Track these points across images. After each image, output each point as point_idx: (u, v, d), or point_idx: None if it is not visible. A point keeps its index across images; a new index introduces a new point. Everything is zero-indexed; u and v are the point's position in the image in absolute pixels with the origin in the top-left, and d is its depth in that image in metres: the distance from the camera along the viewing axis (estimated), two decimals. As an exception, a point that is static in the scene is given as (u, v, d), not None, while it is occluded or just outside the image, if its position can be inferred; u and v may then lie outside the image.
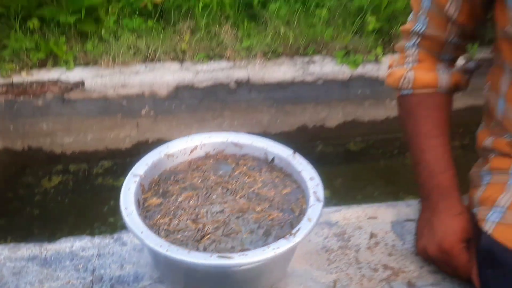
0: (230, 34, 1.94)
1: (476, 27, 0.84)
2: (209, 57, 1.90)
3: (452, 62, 0.90)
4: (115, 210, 0.71)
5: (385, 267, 0.84)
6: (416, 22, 0.85)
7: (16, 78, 1.72)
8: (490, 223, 0.73)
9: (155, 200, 0.78)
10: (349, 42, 1.95)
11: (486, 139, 0.85)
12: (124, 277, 0.81)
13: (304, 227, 0.67)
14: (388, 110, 2.03)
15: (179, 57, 1.89)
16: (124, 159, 1.90)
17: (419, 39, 0.86)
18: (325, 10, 2.01)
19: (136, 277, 0.81)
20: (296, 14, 2.02)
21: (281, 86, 1.87)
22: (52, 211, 1.67)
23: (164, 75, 1.80)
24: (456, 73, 0.87)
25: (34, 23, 1.82)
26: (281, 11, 2.02)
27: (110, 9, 1.98)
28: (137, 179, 0.78)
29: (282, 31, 1.95)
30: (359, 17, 2.01)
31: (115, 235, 0.94)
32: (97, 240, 0.93)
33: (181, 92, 1.81)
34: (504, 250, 0.70)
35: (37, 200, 1.72)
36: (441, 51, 0.87)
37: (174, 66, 1.85)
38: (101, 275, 0.83)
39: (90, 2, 1.92)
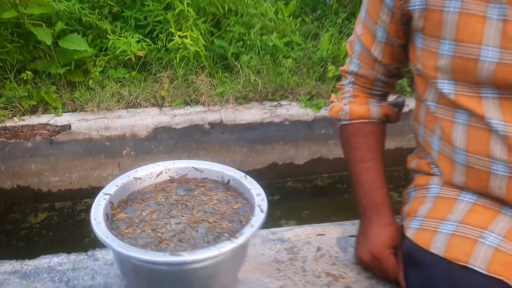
0: (206, 82, 2.16)
1: (398, 67, 1.00)
2: (186, 103, 2.10)
3: (383, 96, 1.05)
4: (96, 242, 0.84)
5: (327, 274, 0.98)
6: (350, 64, 1.02)
7: (9, 123, 1.90)
8: (412, 230, 0.88)
9: (122, 215, 0.92)
10: (313, 88, 2.18)
11: (412, 162, 1.03)
12: (95, 286, 0.95)
13: (246, 232, 0.82)
14: (351, 148, 2.21)
15: (159, 103, 2.09)
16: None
17: (353, 78, 1.02)
18: (291, 60, 2.25)
19: (105, 286, 0.95)
20: (265, 64, 2.26)
21: (251, 127, 2.07)
22: (37, 244, 1.79)
23: (144, 119, 1.99)
24: (386, 106, 1.03)
25: (27, 74, 2.02)
26: (252, 62, 2.25)
27: (97, 61, 2.20)
28: (107, 197, 0.93)
29: (252, 79, 2.17)
30: (320, 66, 2.25)
31: (89, 252, 1.09)
32: (72, 256, 1.08)
33: (159, 133, 1.99)
34: (422, 251, 0.83)
35: (23, 234, 1.84)
36: (372, 88, 1.03)
37: (153, 111, 2.05)
38: (74, 285, 0.96)
39: (79, 56, 2.14)
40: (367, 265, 0.95)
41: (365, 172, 1.01)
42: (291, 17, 2.47)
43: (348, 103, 1.02)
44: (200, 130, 2.02)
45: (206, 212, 0.94)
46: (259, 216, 0.86)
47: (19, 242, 1.81)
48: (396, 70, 1.01)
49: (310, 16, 2.62)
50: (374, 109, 1.01)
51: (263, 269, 1.02)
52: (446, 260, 0.79)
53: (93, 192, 2.08)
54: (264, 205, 0.89)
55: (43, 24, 2.03)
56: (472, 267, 0.77)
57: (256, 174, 2.13)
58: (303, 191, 2.19)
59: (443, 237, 0.82)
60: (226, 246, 0.78)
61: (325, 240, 1.13)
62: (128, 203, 0.98)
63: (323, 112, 2.12)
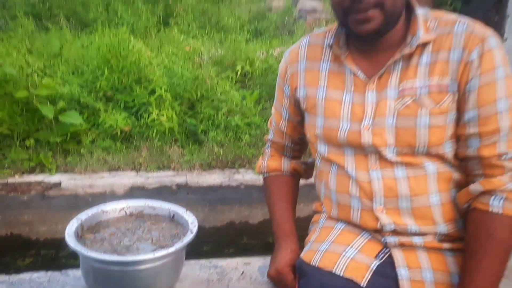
0: (177, 151, 2.60)
1: (300, 137, 1.31)
2: (159, 168, 2.53)
3: (294, 158, 1.36)
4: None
5: None
6: (269, 134, 1.39)
7: (10, 180, 2.31)
8: (303, 252, 1.21)
9: (89, 235, 1.31)
10: (266, 158, 2.61)
11: (313, 206, 1.40)
12: None
13: (177, 245, 1.21)
14: (298, 211, 2.57)
15: (136, 167, 2.52)
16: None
17: (270, 144, 1.36)
18: (250, 136, 2.72)
19: None
20: (229, 139, 2.72)
21: (212, 189, 2.46)
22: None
23: (123, 179, 2.40)
24: (295, 163, 1.34)
25: (30, 141, 2.47)
26: (218, 137, 2.72)
27: (89, 134, 2.67)
28: (79, 221, 1.33)
29: (216, 150, 2.62)
30: (273, 141, 2.71)
31: (63, 271, 1.46)
32: (49, 273, 1.45)
33: (134, 191, 2.39)
34: (307, 265, 1.10)
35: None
36: (283, 151, 1.35)
37: (131, 173, 2.47)
38: None
39: (75, 129, 2.61)
40: (274, 280, 1.23)
41: (278, 211, 1.32)
42: (254, 103, 2.99)
43: (267, 160, 1.36)
44: (169, 190, 2.42)
45: (152, 235, 1.33)
46: (188, 235, 1.25)
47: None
48: (299, 140, 1.33)
49: (269, 102, 3.15)
50: (285, 164, 1.34)
51: (196, 285, 1.38)
52: (320, 269, 1.06)
53: (74, 241, 2.42)
54: (194, 229, 1.29)
55: (48, 102, 2.53)
56: (335, 272, 1.04)
57: (215, 231, 2.51)
58: (256, 246, 2.52)
59: (320, 253, 1.10)
60: (160, 252, 1.16)
61: (249, 267, 1.50)
62: (95, 228, 1.38)
63: (273, 178, 2.53)
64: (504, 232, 1.02)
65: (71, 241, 1.20)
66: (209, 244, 2.42)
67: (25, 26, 3.26)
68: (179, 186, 2.43)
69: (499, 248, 1.03)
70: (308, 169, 1.40)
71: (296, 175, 1.38)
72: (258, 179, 2.53)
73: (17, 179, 2.32)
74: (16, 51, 2.47)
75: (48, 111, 2.42)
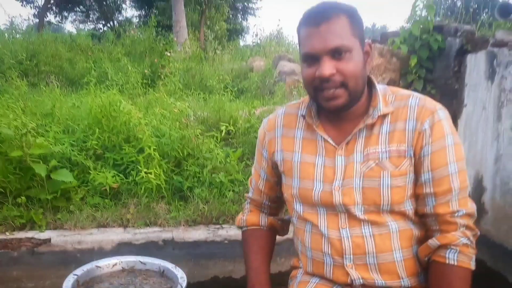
0: (164, 208, 2.72)
1: (277, 196, 1.44)
2: (146, 224, 2.64)
3: (272, 215, 1.47)
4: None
5: None
6: (249, 193, 1.49)
7: (1, 236, 2.38)
8: None
9: None
10: (248, 214, 2.75)
11: (291, 261, 1.50)
12: None
13: None
14: (280, 265, 2.69)
15: (124, 224, 2.62)
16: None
17: (250, 200, 1.49)
18: (233, 193, 2.87)
19: None
20: (213, 195, 2.86)
21: (197, 244, 2.57)
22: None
23: (111, 236, 2.49)
24: (272, 219, 1.46)
25: (22, 199, 2.57)
26: (203, 194, 2.86)
27: (79, 191, 2.78)
28: (75, 276, 1.45)
29: (201, 206, 2.75)
30: (255, 198, 2.86)
31: None
32: None
33: (122, 247, 2.48)
34: None
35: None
36: (261, 208, 1.47)
37: (119, 230, 2.57)
38: None
39: (65, 186, 2.72)
40: None
41: (255, 261, 1.40)
42: (237, 161, 3.16)
43: (246, 215, 1.47)
44: (155, 246, 2.52)
45: None
46: None
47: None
48: (276, 198, 1.45)
49: (251, 160, 3.32)
50: (263, 220, 1.46)
51: None
52: None
53: (61, 298, 2.46)
54: (184, 284, 1.43)
55: (40, 161, 2.65)
56: None
57: (200, 286, 2.58)
58: (239, 301, 2.60)
59: None
60: None
61: None
62: (89, 283, 1.50)
63: (256, 233, 2.65)
64: (461, 282, 1.17)
65: (69, 296, 1.31)
66: (194, 300, 2.49)
67: (18, 88, 3.42)
68: (165, 242, 2.54)
69: None
70: (284, 226, 1.51)
71: (273, 230, 1.49)
72: (240, 235, 2.65)
73: (8, 235, 2.39)
74: (12, 112, 2.61)
75: (41, 170, 2.54)
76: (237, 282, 2.66)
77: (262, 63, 7.10)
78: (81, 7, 22.00)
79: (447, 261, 1.17)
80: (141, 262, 1.67)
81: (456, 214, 1.18)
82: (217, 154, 3.07)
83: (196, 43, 9.75)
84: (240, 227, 1.51)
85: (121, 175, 2.89)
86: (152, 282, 1.56)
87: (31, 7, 19.30)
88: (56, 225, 2.53)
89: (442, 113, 1.20)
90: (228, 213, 2.75)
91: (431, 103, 1.22)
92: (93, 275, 1.58)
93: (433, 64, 3.30)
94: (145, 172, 2.71)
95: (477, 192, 2.90)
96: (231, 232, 2.64)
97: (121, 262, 1.66)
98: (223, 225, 2.72)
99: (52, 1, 18.90)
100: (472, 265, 1.19)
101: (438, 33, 3.23)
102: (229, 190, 2.90)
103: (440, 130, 1.18)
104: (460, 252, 1.17)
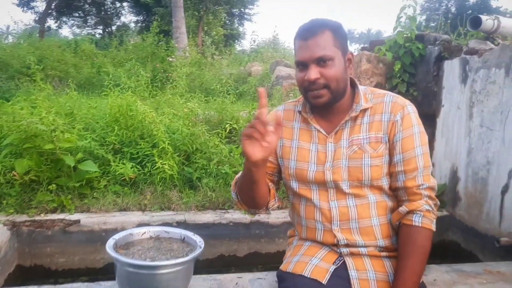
0: (176, 195, 3.08)
1: (277, 176, 1.64)
2: (161, 208, 3.00)
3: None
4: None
5: None
6: None
7: (37, 217, 2.73)
8: (282, 265, 1.60)
9: (122, 251, 1.79)
10: (251, 201, 3.12)
11: (288, 232, 1.81)
12: None
13: (190, 255, 1.69)
14: (278, 245, 3.06)
15: (142, 208, 2.98)
16: (96, 275, 2.77)
17: None
18: (237, 182, 3.23)
19: None
20: (219, 185, 3.22)
21: (206, 226, 2.93)
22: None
23: (131, 218, 2.85)
24: (273, 187, 1.64)
25: (53, 186, 2.92)
26: (210, 183, 3.22)
27: (101, 180, 3.13)
28: (114, 240, 1.81)
29: (209, 194, 3.11)
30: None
31: (96, 282, 1.92)
32: (85, 283, 1.91)
33: (141, 227, 2.83)
34: (284, 273, 1.47)
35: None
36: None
37: (138, 213, 2.93)
38: None
39: (89, 176, 3.08)
40: (247, 129, 1.36)
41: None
42: (240, 155, 3.53)
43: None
44: (170, 227, 2.87)
45: (169, 251, 1.82)
46: (198, 250, 1.74)
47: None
48: (274, 177, 1.65)
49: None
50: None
51: None
52: (293, 274, 1.42)
53: (88, 272, 2.82)
54: (202, 245, 1.78)
55: (69, 154, 3.01)
56: (304, 275, 1.41)
57: (208, 263, 2.94)
58: (243, 276, 2.96)
59: (293, 263, 1.47)
60: (176, 260, 1.64)
61: (242, 280, 1.98)
62: (124, 246, 1.86)
63: (257, 217, 3.03)
64: (423, 239, 1.44)
65: (111, 252, 1.67)
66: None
67: (45, 90, 3.79)
68: (178, 223, 2.90)
69: (419, 252, 1.42)
70: (276, 196, 1.67)
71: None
72: (244, 218, 3.03)
73: (42, 217, 2.74)
74: (44, 111, 2.97)
75: (70, 161, 2.90)
76: (240, 260, 3.03)
77: (259, 68, 7.47)
78: (80, 12, 22.33)
79: (413, 223, 1.45)
80: (165, 231, 2.02)
81: (421, 187, 1.47)
82: (222, 149, 3.43)
83: (195, 48, 10.12)
84: (235, 183, 1.67)
85: (138, 166, 3.25)
86: (175, 247, 1.92)
87: (31, 13, 19.65)
88: (83, 208, 2.89)
89: (410, 108, 1.52)
90: (233, 200, 3.11)
91: (402, 100, 1.53)
92: (127, 240, 1.93)
93: (415, 69, 3.68)
94: (161, 163, 3.07)
95: (453, 182, 3.28)
96: (236, 216, 3.01)
97: (149, 231, 2.01)
98: (228, 210, 3.08)
99: (52, 7, 19.24)
100: (433, 227, 1.47)
101: (420, 42, 3.62)
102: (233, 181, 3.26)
103: (408, 121, 1.49)
104: (423, 216, 1.45)
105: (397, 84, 3.66)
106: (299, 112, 1.61)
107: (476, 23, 3.18)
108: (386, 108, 1.51)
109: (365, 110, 1.52)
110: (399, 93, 3.59)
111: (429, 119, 3.52)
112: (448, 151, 3.35)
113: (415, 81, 3.69)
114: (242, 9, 21.40)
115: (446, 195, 3.35)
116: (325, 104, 1.49)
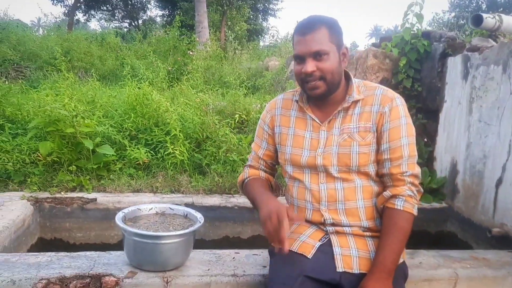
0: (186, 179, 3.29)
1: (272, 163, 1.82)
2: (172, 191, 3.21)
3: (270, 177, 1.86)
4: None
5: (235, 267, 1.97)
6: (248, 162, 1.87)
7: (58, 195, 2.98)
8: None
9: (130, 223, 2.00)
10: (256, 187, 3.31)
11: None
12: (110, 264, 1.96)
13: (190, 229, 1.89)
14: (280, 229, 3.22)
15: (154, 190, 3.20)
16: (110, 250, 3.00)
17: (248, 166, 1.85)
18: (242, 168, 3.41)
19: (115, 264, 1.98)
20: (226, 171, 3.42)
21: (212, 208, 3.12)
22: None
23: (143, 198, 3.07)
24: (268, 176, 1.83)
25: (73, 167, 3.17)
26: (218, 169, 3.42)
27: (117, 163, 3.37)
28: (123, 213, 2.02)
29: (216, 179, 3.31)
30: (262, 174, 3.42)
31: (107, 251, 2.13)
32: (98, 252, 2.11)
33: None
34: (273, 248, 1.58)
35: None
36: (258, 170, 1.83)
37: (150, 194, 3.15)
38: (98, 262, 1.98)
39: (106, 159, 3.32)
40: (267, 218, 1.47)
41: (260, 190, 1.68)
42: (248, 144, 3.72)
43: (248, 171, 1.84)
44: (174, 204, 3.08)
45: (172, 225, 2.02)
46: (198, 224, 1.94)
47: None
48: (270, 165, 1.84)
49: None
50: (262, 174, 1.83)
51: (201, 262, 2.03)
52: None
53: (104, 247, 3.05)
54: (201, 221, 1.98)
55: (88, 138, 3.25)
56: (292, 249, 1.56)
57: (214, 243, 3.14)
58: (245, 256, 3.15)
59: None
60: (180, 231, 1.84)
61: (239, 255, 2.17)
62: (133, 219, 2.07)
63: (261, 202, 3.20)
64: (403, 222, 1.57)
65: (119, 223, 1.88)
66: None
67: (67, 79, 4.05)
68: (186, 205, 3.10)
69: (400, 232, 1.55)
70: (276, 187, 1.88)
71: (269, 183, 1.84)
72: (248, 202, 3.18)
73: (62, 195, 2.99)
74: (66, 98, 3.22)
75: (89, 144, 3.14)
76: (244, 242, 3.21)
77: (277, 62, 7.62)
78: (107, 6, 22.84)
79: (395, 207, 1.57)
80: (170, 208, 2.23)
81: (404, 174, 1.59)
82: (231, 138, 3.62)
83: (217, 43, 10.34)
84: (242, 182, 1.84)
85: (152, 152, 3.47)
86: (178, 222, 2.12)
87: (61, 6, 20.23)
88: (100, 188, 3.12)
89: (399, 100, 1.63)
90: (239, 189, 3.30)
91: (391, 93, 1.65)
92: (135, 215, 2.14)
93: (421, 65, 3.78)
94: (172, 149, 3.28)
95: (452, 175, 3.39)
96: (240, 200, 3.20)
97: (156, 207, 2.22)
98: (234, 195, 3.27)
99: (81, 0, 19.77)
100: (415, 212, 1.59)
101: (425, 39, 3.72)
102: (240, 167, 3.45)
103: (396, 113, 1.60)
104: (405, 201, 1.57)
105: (403, 79, 3.77)
106: (296, 101, 1.74)
107: (478, 21, 3.27)
108: (376, 100, 1.63)
109: (356, 101, 1.64)
110: (404, 88, 3.72)
111: (433, 114, 3.63)
112: (449, 145, 3.46)
113: (420, 76, 3.80)
114: (266, 4, 21.49)
115: (446, 187, 3.46)
116: (321, 95, 1.61)
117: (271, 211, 1.47)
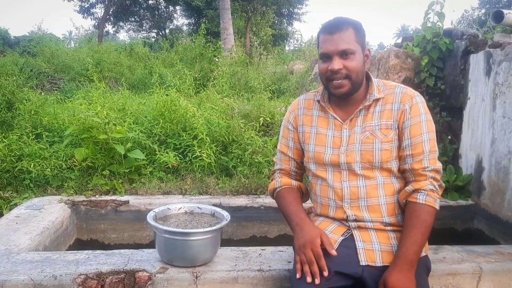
0: (213, 181, 3.41)
1: (301, 162, 1.83)
2: (200, 193, 3.33)
3: (298, 180, 1.87)
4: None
5: (261, 263, 2.06)
6: (276, 165, 1.92)
7: (93, 198, 3.15)
8: None
9: (160, 222, 2.12)
10: (281, 187, 3.39)
11: (306, 209, 2.10)
12: (143, 260, 2.08)
13: (218, 226, 2.00)
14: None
15: (183, 192, 3.33)
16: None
17: (279, 170, 1.89)
18: (268, 170, 3.51)
19: (147, 260, 2.10)
20: (252, 172, 3.52)
21: (239, 209, 3.22)
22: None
23: (173, 200, 3.20)
24: (300, 183, 1.88)
25: (106, 172, 3.34)
26: (244, 171, 3.52)
27: (148, 167, 3.52)
28: (154, 213, 2.15)
29: (243, 180, 3.41)
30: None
31: (140, 249, 2.25)
32: (132, 250, 2.22)
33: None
34: None
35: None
36: (290, 175, 1.86)
37: (179, 196, 3.27)
38: (131, 259, 2.13)
39: (137, 163, 3.48)
40: (303, 249, 1.56)
41: (292, 208, 1.74)
42: (273, 146, 3.81)
43: (279, 179, 1.87)
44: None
45: (200, 223, 2.13)
46: (224, 221, 2.05)
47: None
48: (300, 164, 1.85)
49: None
50: (293, 182, 1.87)
51: (228, 259, 2.13)
52: None
53: (136, 246, 3.19)
54: (228, 218, 2.08)
55: (120, 143, 3.42)
56: None
57: (241, 243, 3.23)
58: (272, 255, 3.23)
59: None
60: (207, 228, 1.95)
61: (265, 251, 2.26)
62: (163, 218, 2.19)
63: (286, 202, 3.28)
64: (426, 215, 1.61)
65: (151, 221, 2.00)
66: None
67: (99, 88, 4.26)
68: (214, 206, 3.21)
69: (422, 225, 1.59)
70: (306, 193, 1.92)
71: (300, 191, 1.88)
72: (274, 202, 3.28)
73: (97, 198, 3.16)
74: (98, 106, 3.39)
75: (121, 149, 3.30)
76: (271, 241, 3.30)
77: (301, 66, 7.70)
78: (135, 17, 23.45)
79: (417, 201, 1.61)
80: (198, 207, 2.34)
81: (426, 169, 1.63)
82: (256, 141, 3.72)
83: (242, 49, 10.49)
84: (274, 190, 1.88)
85: (180, 155, 3.61)
86: (206, 220, 2.23)
87: (91, 19, 20.92)
88: (131, 191, 3.27)
89: (418, 98, 1.69)
90: (264, 186, 3.39)
91: (411, 91, 1.71)
92: (165, 214, 2.26)
93: (443, 63, 3.78)
94: (199, 152, 3.41)
95: (478, 172, 3.38)
96: (266, 200, 3.28)
97: (184, 206, 2.34)
98: (260, 195, 3.36)
99: (110, 12, 20.38)
100: (437, 206, 1.62)
101: (447, 37, 3.73)
102: (266, 168, 3.54)
103: (416, 110, 1.66)
104: (427, 195, 1.61)
105: (425, 78, 3.78)
106: (318, 101, 1.81)
107: (499, 17, 3.26)
108: (396, 98, 1.69)
109: (377, 100, 1.70)
110: (427, 86, 3.73)
111: (457, 111, 3.63)
112: (473, 142, 3.45)
113: (443, 75, 3.79)
114: (290, 9, 21.59)
115: (472, 185, 3.45)
116: (345, 94, 1.67)
117: (306, 242, 1.56)
